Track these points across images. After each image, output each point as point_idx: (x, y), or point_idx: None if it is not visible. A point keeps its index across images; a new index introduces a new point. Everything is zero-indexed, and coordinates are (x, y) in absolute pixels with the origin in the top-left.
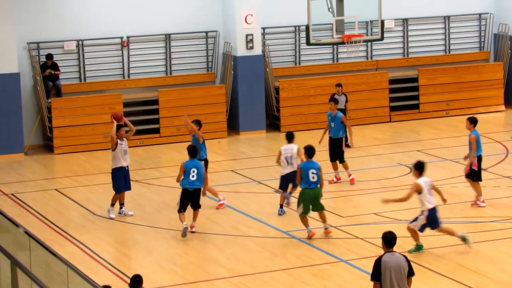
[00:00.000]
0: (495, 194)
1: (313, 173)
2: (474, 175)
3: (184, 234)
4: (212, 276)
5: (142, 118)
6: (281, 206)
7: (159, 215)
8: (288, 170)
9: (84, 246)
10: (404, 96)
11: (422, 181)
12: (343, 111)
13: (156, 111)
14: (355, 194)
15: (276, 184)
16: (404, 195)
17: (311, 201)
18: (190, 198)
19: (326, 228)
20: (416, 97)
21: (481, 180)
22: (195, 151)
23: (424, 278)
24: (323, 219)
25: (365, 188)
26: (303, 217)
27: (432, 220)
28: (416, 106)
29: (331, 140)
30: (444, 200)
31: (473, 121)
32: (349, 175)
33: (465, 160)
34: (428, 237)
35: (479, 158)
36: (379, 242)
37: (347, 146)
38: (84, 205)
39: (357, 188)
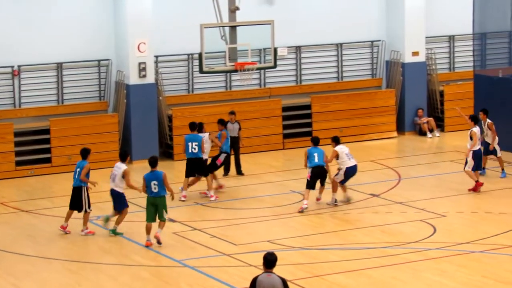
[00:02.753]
0: (387, 220)
1: (154, 184)
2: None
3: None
4: None
5: (34, 147)
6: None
7: (51, 245)
8: None
9: None
10: (297, 123)
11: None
12: (236, 138)
13: (47, 141)
14: (249, 222)
15: (171, 213)
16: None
17: (153, 207)
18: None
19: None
20: (309, 124)
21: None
22: (86, 152)
23: None
24: (160, 227)
25: (259, 215)
26: (147, 224)
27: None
28: (309, 133)
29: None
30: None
31: (312, 141)
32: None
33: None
34: (321, 264)
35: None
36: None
37: (240, 173)
38: None
39: (251, 215)
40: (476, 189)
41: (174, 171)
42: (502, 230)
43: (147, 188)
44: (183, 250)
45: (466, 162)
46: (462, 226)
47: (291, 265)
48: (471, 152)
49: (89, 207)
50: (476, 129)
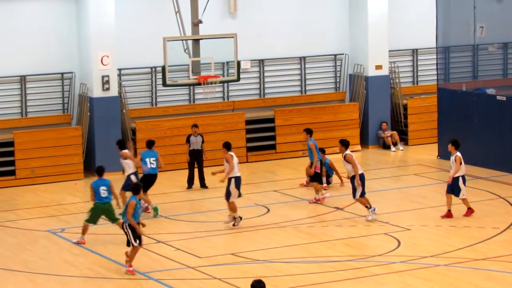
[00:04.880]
0: (351, 233)
1: (103, 189)
2: (316, 178)
3: None
4: None
5: None
6: None
7: (15, 257)
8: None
9: None
10: (260, 137)
11: None
12: (199, 151)
13: (11, 153)
14: (213, 235)
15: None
16: None
17: (103, 213)
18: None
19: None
20: (273, 138)
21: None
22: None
23: None
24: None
25: (222, 228)
26: (85, 224)
27: None
28: (273, 147)
29: None
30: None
31: (308, 132)
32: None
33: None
34: (284, 277)
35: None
36: (237, 282)
37: (204, 186)
38: None
39: (214, 228)
40: (468, 214)
41: None
42: (466, 243)
43: (95, 195)
44: (148, 263)
45: (460, 190)
46: (426, 239)
47: (254, 278)
48: (461, 178)
49: (135, 240)
50: (460, 154)
